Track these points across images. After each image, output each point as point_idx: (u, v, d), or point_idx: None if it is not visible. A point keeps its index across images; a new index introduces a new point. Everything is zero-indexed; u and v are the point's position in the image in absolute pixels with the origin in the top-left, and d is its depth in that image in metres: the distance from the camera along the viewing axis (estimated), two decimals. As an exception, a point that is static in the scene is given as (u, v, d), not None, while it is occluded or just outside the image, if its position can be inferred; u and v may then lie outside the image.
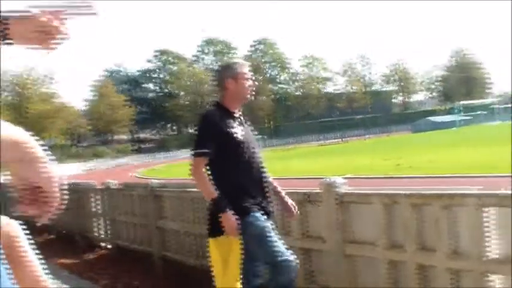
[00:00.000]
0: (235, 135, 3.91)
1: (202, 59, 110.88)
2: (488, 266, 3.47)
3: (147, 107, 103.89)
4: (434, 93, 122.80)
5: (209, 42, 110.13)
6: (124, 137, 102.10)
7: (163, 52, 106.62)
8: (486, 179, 12.90)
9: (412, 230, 3.91)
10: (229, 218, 3.69)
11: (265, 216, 3.94)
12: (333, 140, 70.32)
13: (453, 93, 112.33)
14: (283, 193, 4.31)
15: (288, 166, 25.59)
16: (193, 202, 6.78)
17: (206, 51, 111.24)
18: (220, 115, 3.96)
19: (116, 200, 9.09)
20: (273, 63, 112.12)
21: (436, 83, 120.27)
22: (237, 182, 3.90)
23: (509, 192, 3.31)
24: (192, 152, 3.92)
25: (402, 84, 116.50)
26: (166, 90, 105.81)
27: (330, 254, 4.65)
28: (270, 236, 3.85)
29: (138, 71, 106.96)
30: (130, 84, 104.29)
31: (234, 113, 4.06)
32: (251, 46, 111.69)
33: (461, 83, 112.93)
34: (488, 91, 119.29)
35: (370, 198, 4.31)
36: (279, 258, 3.78)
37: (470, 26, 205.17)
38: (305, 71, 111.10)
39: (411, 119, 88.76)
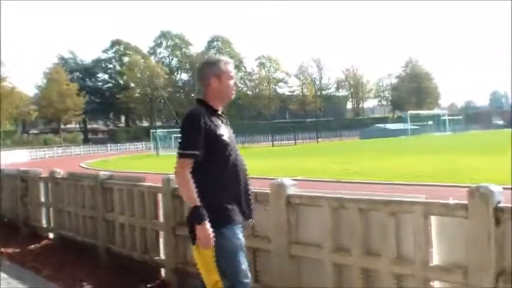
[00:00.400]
0: (222, 137, 3.72)
1: (157, 53, 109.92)
2: (432, 273, 3.55)
3: (99, 97, 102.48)
4: (384, 101, 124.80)
5: (165, 35, 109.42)
6: (74, 126, 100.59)
7: (117, 42, 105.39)
8: (429, 188, 13.18)
9: (358, 234, 3.96)
10: (206, 230, 3.52)
11: (245, 221, 3.85)
12: (285, 142, 70.70)
13: (403, 102, 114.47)
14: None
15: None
16: (142, 196, 6.74)
17: (161, 44, 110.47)
18: (208, 114, 3.72)
19: (62, 190, 8.94)
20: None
21: (386, 92, 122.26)
22: (222, 186, 3.70)
23: (456, 201, 3.40)
24: (180, 152, 3.63)
25: (352, 90, 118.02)
26: (119, 81, 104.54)
27: (276, 254, 4.68)
28: (240, 255, 3.72)
29: (92, 60, 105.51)
30: (83, 72, 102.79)
31: (218, 112, 3.85)
32: (208, 42, 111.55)
33: (411, 92, 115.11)
34: (436, 102, 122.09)
35: (318, 201, 4.34)
36: (240, 279, 3.69)
37: (422, 37, 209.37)
38: (260, 71, 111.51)
39: (363, 124, 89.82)
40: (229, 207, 3.70)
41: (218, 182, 3.69)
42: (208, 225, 3.51)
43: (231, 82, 3.87)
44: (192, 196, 3.54)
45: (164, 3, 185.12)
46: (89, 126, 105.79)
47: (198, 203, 3.53)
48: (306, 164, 25.73)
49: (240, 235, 3.73)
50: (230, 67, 3.88)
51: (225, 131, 3.76)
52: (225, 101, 3.93)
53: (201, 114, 3.68)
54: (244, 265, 3.75)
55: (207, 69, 3.86)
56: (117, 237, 7.37)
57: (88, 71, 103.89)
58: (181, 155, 3.61)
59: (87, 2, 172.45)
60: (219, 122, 3.78)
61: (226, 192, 3.71)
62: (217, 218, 3.60)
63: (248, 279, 3.74)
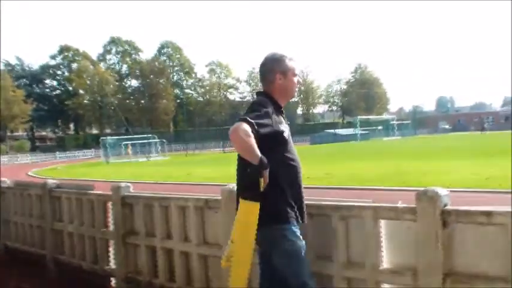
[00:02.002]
0: (283, 134, 3.58)
1: (107, 59, 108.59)
2: (382, 276, 3.59)
3: (47, 104, 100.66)
4: (334, 107, 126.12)
5: (114, 41, 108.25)
6: (21, 133, 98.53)
7: (66, 48, 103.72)
8: (378, 192, 13.34)
9: (309, 240, 3.97)
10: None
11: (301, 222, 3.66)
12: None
13: (353, 107, 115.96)
14: None
15: (189, 172, 25.50)
16: (91, 205, 6.64)
17: (111, 50, 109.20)
18: (274, 108, 3.59)
19: (8, 200, 8.73)
20: (176, 68, 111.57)
21: (336, 97, 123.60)
22: (282, 186, 3.51)
23: (404, 205, 3.45)
24: (242, 117, 3.35)
25: (302, 96, 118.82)
26: (68, 88, 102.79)
27: (228, 261, 4.66)
28: (305, 257, 3.56)
29: (40, 66, 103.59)
30: (31, 79, 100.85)
31: (282, 109, 3.73)
32: (158, 49, 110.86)
33: (361, 98, 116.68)
34: (385, 107, 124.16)
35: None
36: (307, 281, 3.52)
37: (370, 43, 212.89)
38: (211, 77, 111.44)
39: (313, 130, 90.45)
40: (286, 203, 3.52)
41: (279, 180, 3.47)
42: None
43: (295, 79, 3.80)
44: (256, 151, 3.28)
45: (114, 9, 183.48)
46: (36, 133, 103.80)
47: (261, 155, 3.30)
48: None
49: (301, 236, 3.56)
50: (294, 64, 3.79)
51: (286, 129, 3.63)
52: (288, 98, 3.84)
53: (269, 104, 3.58)
54: (308, 266, 3.61)
55: (272, 66, 3.75)
56: (66, 247, 7.23)
57: (35, 78, 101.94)
58: (242, 120, 3.33)
59: (33, 5, 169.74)
60: (281, 119, 3.64)
61: (285, 192, 3.54)
62: (275, 216, 3.46)
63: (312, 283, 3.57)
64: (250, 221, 3.36)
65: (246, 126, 3.27)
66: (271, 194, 3.38)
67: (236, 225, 3.46)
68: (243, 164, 3.47)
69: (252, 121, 3.31)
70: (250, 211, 3.35)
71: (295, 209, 3.57)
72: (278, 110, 3.66)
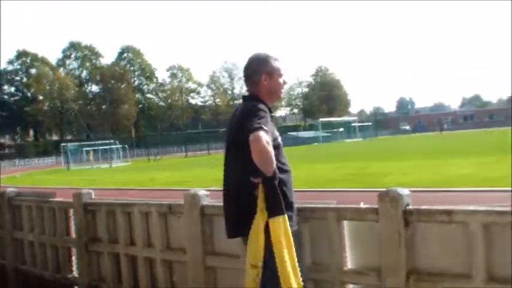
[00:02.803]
0: (278, 139, 3.55)
1: (67, 65, 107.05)
2: (347, 277, 3.62)
3: (5, 111, 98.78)
4: (295, 110, 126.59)
5: (74, 46, 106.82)
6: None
7: (24, 53, 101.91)
8: (340, 193, 13.43)
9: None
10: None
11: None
12: (198, 152, 70.46)
13: (314, 110, 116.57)
14: None
15: (151, 177, 25.36)
16: (52, 212, 6.54)
17: (71, 56, 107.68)
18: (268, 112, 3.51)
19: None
20: (137, 72, 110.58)
21: (297, 100, 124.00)
22: (282, 189, 3.35)
23: (368, 206, 3.49)
24: (256, 126, 3.20)
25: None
26: (26, 94, 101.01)
27: (192, 266, 4.63)
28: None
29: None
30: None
31: (271, 111, 3.63)
32: (118, 53, 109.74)
33: (322, 100, 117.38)
34: (347, 109, 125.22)
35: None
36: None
37: (330, 45, 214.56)
38: (172, 82, 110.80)
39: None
40: (291, 213, 3.43)
41: (281, 185, 3.35)
42: None
43: (281, 80, 3.71)
44: (274, 163, 3.23)
45: (72, 13, 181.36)
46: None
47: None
48: (220, 174, 25.69)
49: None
50: (280, 64, 3.71)
51: (277, 133, 3.59)
52: (275, 99, 3.77)
53: (267, 110, 3.46)
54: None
55: (257, 67, 3.66)
56: (27, 257, 7.11)
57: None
58: (258, 128, 3.21)
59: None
60: (273, 121, 3.56)
61: (287, 197, 3.44)
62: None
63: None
64: (287, 232, 3.25)
65: (265, 136, 3.19)
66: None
67: (277, 246, 3.24)
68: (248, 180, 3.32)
69: (267, 129, 3.24)
70: (283, 224, 3.26)
71: (294, 215, 3.50)
72: (270, 113, 3.58)
